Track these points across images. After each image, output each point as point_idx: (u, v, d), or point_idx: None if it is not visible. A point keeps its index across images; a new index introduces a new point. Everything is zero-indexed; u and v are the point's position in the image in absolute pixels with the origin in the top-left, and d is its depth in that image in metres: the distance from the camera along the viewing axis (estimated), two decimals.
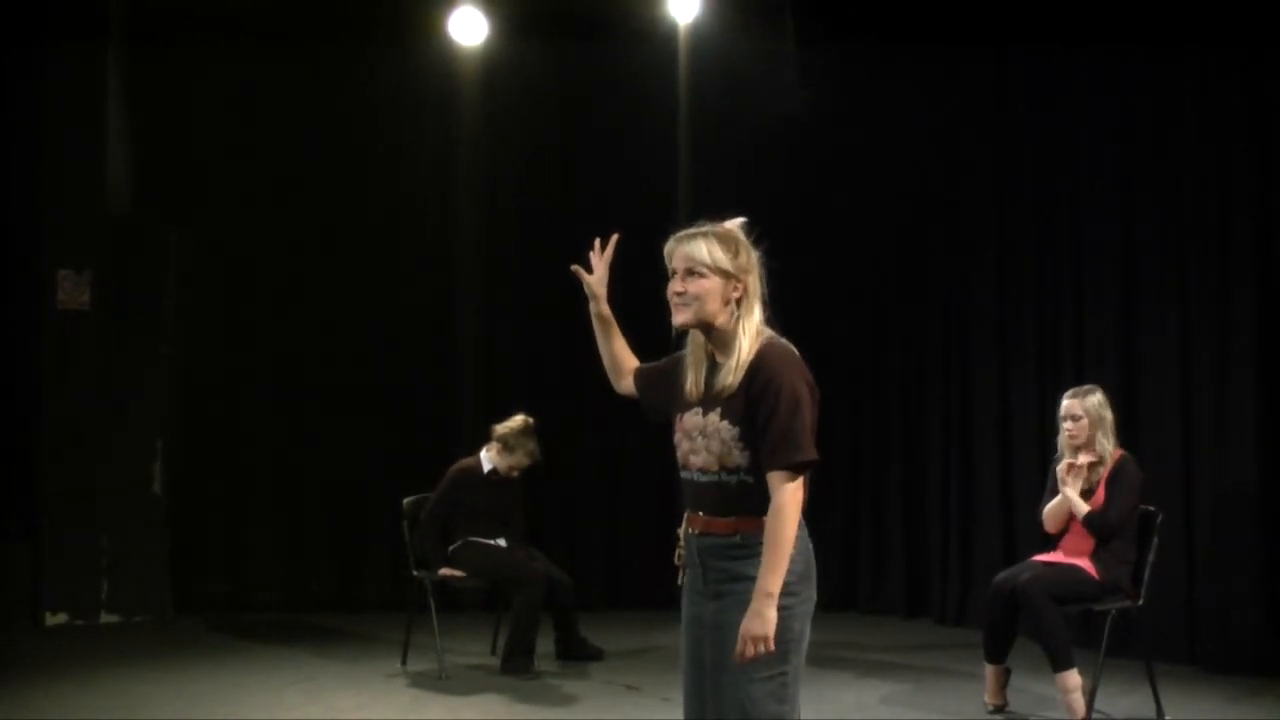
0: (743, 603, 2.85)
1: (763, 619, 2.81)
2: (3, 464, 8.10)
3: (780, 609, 2.83)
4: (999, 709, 5.61)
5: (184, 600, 8.37)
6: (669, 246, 3.06)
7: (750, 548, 2.90)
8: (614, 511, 8.64)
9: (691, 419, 3.03)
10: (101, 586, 8.12)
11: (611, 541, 8.66)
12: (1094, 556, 5.44)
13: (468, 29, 7.88)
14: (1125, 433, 6.86)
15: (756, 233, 3.11)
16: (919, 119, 8.21)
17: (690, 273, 2.99)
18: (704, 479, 3.00)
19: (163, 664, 6.83)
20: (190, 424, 8.56)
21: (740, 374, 2.92)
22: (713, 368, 3.03)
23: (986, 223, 7.90)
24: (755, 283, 3.01)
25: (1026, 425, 7.50)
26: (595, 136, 8.68)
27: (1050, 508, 5.62)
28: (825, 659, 7.01)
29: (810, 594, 2.96)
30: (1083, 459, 5.55)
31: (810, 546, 2.99)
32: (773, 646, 2.80)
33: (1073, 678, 5.21)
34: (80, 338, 8.13)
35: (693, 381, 3.05)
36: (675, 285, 3.01)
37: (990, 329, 7.81)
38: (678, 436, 3.09)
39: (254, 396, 8.63)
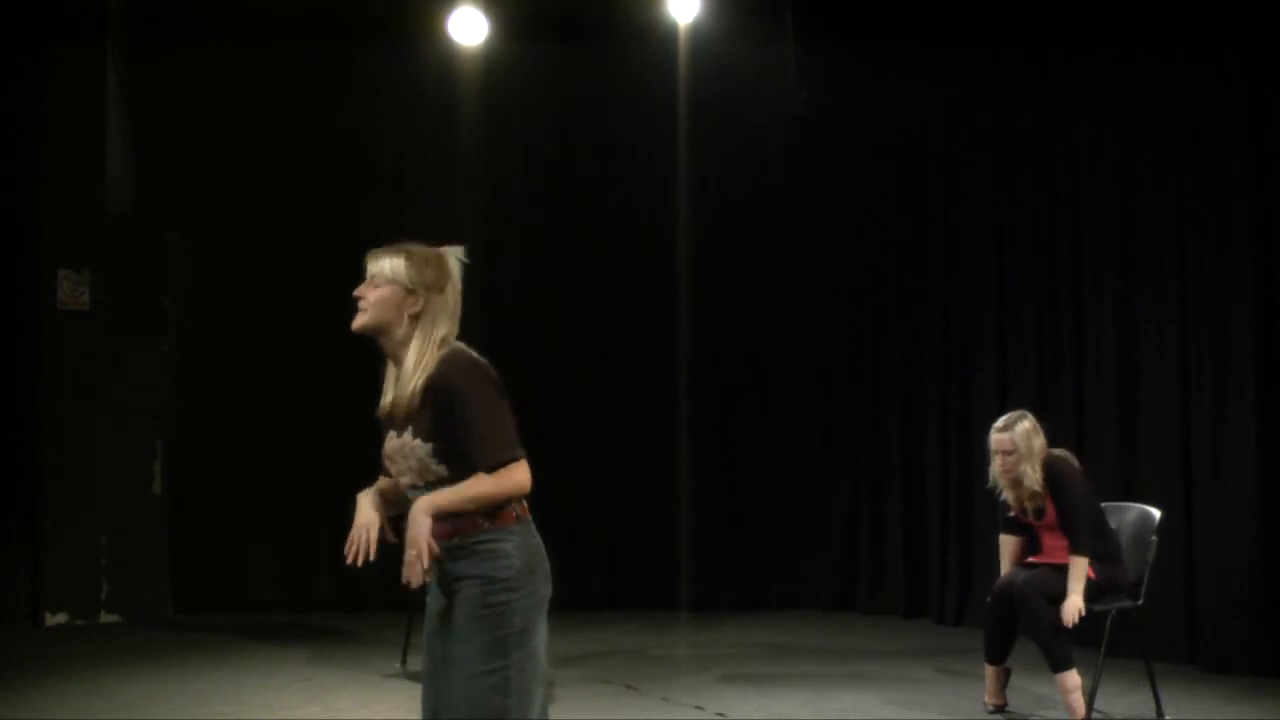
0: (466, 600, 2.98)
1: (414, 524, 2.92)
2: (3, 464, 8.11)
3: (498, 603, 2.95)
4: (999, 709, 5.61)
5: (184, 600, 8.37)
6: (366, 258, 3.21)
7: (467, 548, 2.99)
8: (614, 511, 8.64)
9: (392, 443, 3.11)
10: (101, 586, 8.13)
11: (611, 541, 8.66)
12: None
13: (468, 29, 7.87)
14: (1125, 433, 6.88)
15: (469, 263, 3.26)
16: (919, 119, 8.21)
17: (371, 281, 3.15)
18: (416, 494, 3.08)
19: (163, 664, 6.83)
20: (190, 424, 8.56)
21: (417, 389, 3.00)
22: (396, 387, 3.11)
23: (986, 223, 7.89)
24: (441, 303, 3.10)
25: None
26: (595, 136, 8.68)
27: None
28: (825, 659, 7.01)
29: (534, 589, 3.02)
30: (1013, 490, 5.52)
31: (535, 544, 3.06)
32: (424, 550, 2.88)
33: (1072, 678, 5.20)
34: (80, 338, 8.14)
35: (384, 403, 3.13)
36: (357, 290, 3.17)
37: (990, 329, 7.81)
38: (386, 463, 3.18)
39: (254, 396, 8.63)
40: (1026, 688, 5.89)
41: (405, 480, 3.11)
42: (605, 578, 8.65)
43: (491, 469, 2.94)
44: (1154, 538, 5.49)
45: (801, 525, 8.65)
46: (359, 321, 3.16)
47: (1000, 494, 5.57)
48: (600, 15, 7.81)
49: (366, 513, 3.16)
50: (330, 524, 8.56)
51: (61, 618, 8.01)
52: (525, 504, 3.06)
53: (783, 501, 8.73)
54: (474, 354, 3.09)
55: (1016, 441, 5.41)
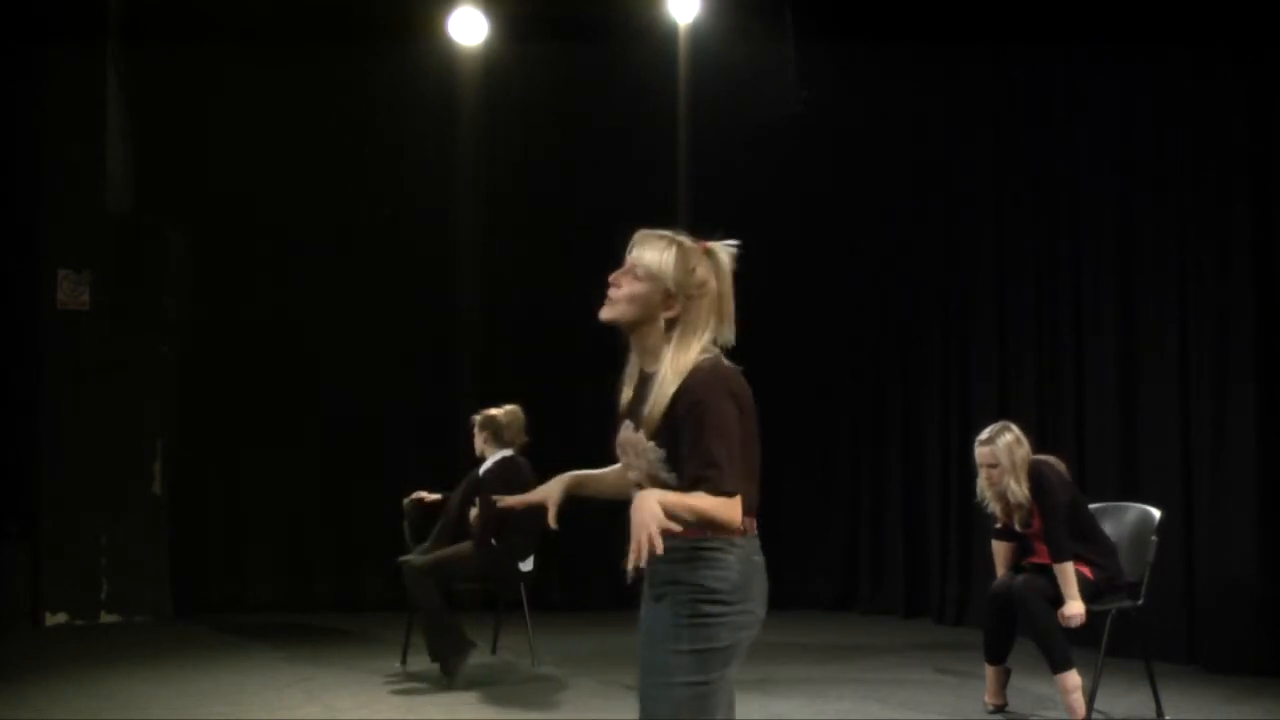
0: (675, 606, 2.78)
1: (644, 504, 2.58)
2: (3, 464, 8.11)
3: (709, 615, 2.75)
4: (999, 709, 5.61)
5: (184, 600, 8.38)
6: (633, 239, 2.91)
7: (683, 551, 2.76)
8: (614, 512, 8.62)
9: (624, 434, 2.91)
10: (101, 586, 8.14)
11: (612, 542, 8.65)
12: (1082, 557, 5.42)
13: (468, 29, 7.89)
14: (1125, 433, 6.88)
15: (742, 259, 2.94)
16: (919, 119, 8.21)
17: (630, 271, 2.85)
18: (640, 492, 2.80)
19: (163, 664, 6.82)
20: (190, 424, 8.57)
21: (664, 400, 2.76)
22: (642, 380, 2.89)
23: (986, 223, 7.90)
24: (704, 307, 2.84)
25: (1026, 425, 7.47)
26: (595, 136, 8.68)
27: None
28: (826, 659, 7.01)
29: (747, 607, 2.80)
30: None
31: (758, 561, 2.84)
32: (654, 529, 2.54)
33: (1072, 678, 5.20)
34: (80, 338, 8.14)
35: (625, 392, 2.94)
36: (612, 275, 2.87)
37: (990, 329, 7.81)
38: (617, 450, 2.98)
39: (254, 397, 8.63)
40: (1026, 688, 5.89)
41: (633, 475, 2.90)
42: (605, 578, 8.65)
43: (713, 495, 2.66)
44: (1154, 538, 5.48)
45: (801, 525, 8.65)
46: (606, 314, 2.86)
47: (988, 506, 5.57)
48: (600, 15, 7.82)
49: (550, 487, 2.99)
50: (330, 524, 8.65)
51: (61, 618, 8.02)
52: (754, 519, 2.82)
53: (783, 501, 8.72)
54: (729, 368, 2.82)
55: (999, 455, 5.41)
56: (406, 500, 6.80)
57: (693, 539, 2.75)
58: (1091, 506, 5.67)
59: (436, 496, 6.75)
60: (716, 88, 8.10)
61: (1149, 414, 6.80)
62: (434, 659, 6.24)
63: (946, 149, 8.19)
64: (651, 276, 2.83)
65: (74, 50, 8.03)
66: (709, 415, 2.71)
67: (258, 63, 8.27)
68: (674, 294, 2.82)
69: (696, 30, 7.85)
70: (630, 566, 2.57)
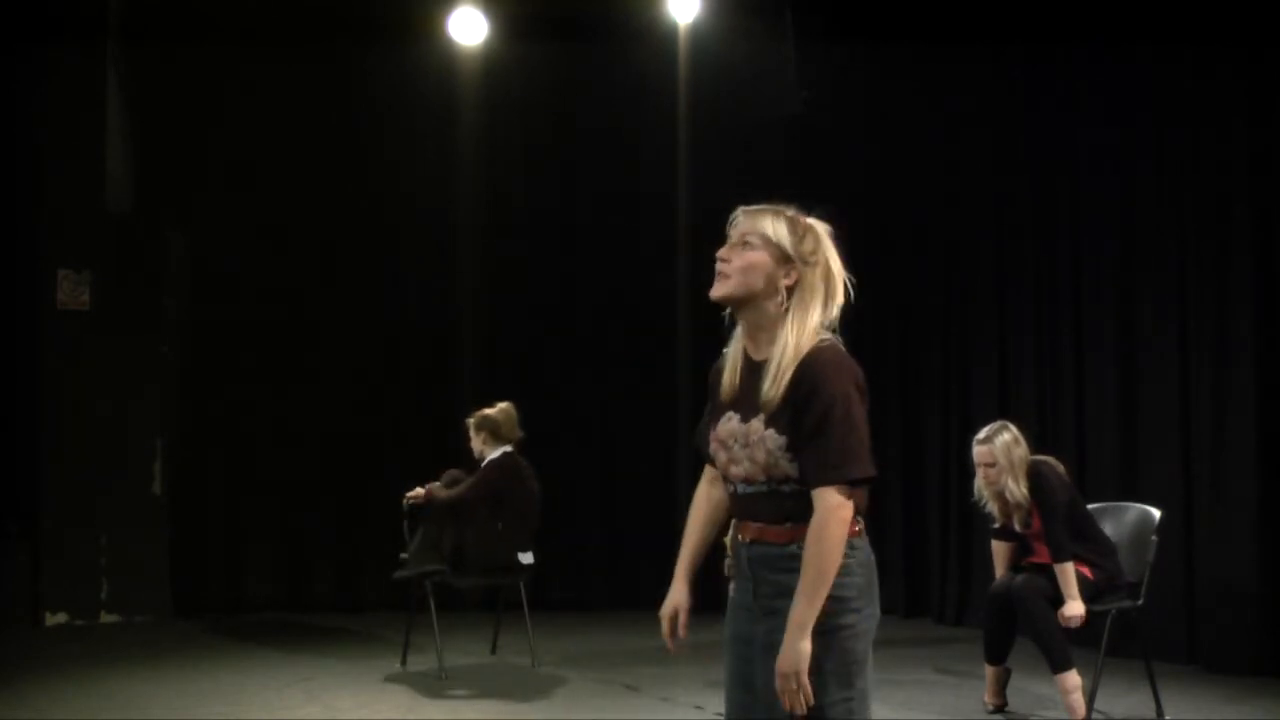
0: None
1: (794, 654, 2.53)
2: (3, 464, 8.11)
3: (843, 628, 2.60)
4: (999, 709, 5.61)
5: (184, 600, 8.38)
6: (733, 216, 2.79)
7: (798, 560, 2.62)
8: (614, 511, 8.64)
9: (727, 426, 2.73)
10: (101, 586, 8.14)
11: (612, 541, 8.66)
12: (1081, 557, 5.42)
13: (468, 29, 7.89)
14: (1125, 433, 6.88)
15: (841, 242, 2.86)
16: (919, 119, 8.21)
17: (743, 243, 2.72)
18: (750, 490, 2.70)
19: (163, 664, 6.83)
20: (190, 424, 8.57)
21: (786, 378, 2.63)
22: (749, 368, 2.73)
23: (986, 223, 7.89)
24: (818, 280, 2.74)
25: (1026, 425, 7.47)
26: (595, 136, 8.68)
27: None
28: None
29: (873, 610, 2.68)
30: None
31: (872, 559, 2.71)
32: (806, 685, 2.53)
33: (1072, 678, 5.20)
34: (80, 338, 8.14)
35: (728, 382, 2.76)
36: (722, 251, 2.73)
37: (990, 329, 7.81)
38: (713, 446, 2.78)
39: (254, 396, 8.63)
40: (1026, 688, 5.89)
41: (738, 470, 2.70)
42: (605, 578, 8.65)
43: (833, 483, 2.58)
44: (1154, 538, 5.48)
45: None
46: (721, 289, 2.71)
47: (985, 505, 5.57)
48: (600, 15, 7.82)
49: (672, 597, 2.91)
50: (330, 524, 8.65)
51: (61, 618, 8.02)
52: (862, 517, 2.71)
53: None
54: (848, 356, 2.74)
55: (997, 454, 5.40)
56: (405, 499, 6.80)
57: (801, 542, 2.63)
58: (1091, 506, 5.67)
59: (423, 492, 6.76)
60: (716, 88, 8.10)
61: (1149, 414, 6.80)
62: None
63: (946, 149, 8.18)
64: (768, 243, 2.72)
65: (74, 50, 8.02)
66: (840, 399, 2.63)
67: (258, 63, 8.27)
68: (791, 257, 2.73)
69: (696, 30, 7.85)
70: (797, 711, 2.53)
